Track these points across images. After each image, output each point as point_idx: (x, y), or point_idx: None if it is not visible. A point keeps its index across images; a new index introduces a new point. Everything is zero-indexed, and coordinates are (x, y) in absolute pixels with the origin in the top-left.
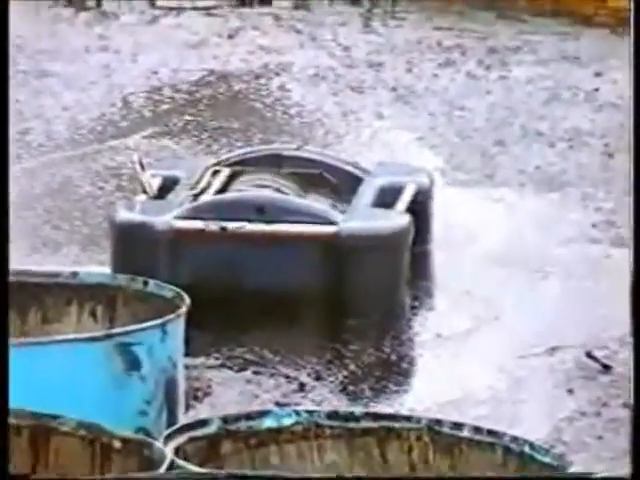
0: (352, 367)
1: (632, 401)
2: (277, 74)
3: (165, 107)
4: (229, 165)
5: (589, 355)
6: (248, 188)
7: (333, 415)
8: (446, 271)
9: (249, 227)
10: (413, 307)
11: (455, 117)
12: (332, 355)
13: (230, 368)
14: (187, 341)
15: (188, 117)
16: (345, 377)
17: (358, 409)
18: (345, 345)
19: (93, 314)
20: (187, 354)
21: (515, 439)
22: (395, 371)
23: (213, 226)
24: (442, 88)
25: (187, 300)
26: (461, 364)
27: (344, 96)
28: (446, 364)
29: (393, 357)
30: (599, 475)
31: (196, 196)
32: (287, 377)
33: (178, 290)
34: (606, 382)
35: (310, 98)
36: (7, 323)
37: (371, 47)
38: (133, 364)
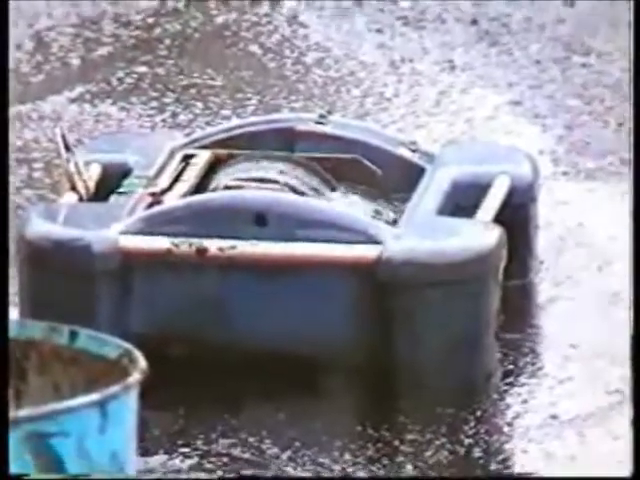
0: (411, 470)
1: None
2: None
3: (104, 51)
4: (208, 147)
5: None
6: (240, 184)
7: None
8: (559, 317)
9: (242, 248)
10: (507, 374)
11: (576, 67)
12: (377, 451)
13: (210, 472)
14: (142, 429)
15: (142, 68)
16: None
17: None
18: (398, 435)
19: None
20: (142, 450)
21: None
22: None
23: (184, 246)
24: (554, 19)
25: (142, 363)
26: (593, 465)
27: (393, 33)
28: (567, 466)
29: (477, 453)
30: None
31: (157, 197)
32: None
33: (127, 347)
34: None
35: (339, 37)
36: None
37: None
38: (52, 467)
